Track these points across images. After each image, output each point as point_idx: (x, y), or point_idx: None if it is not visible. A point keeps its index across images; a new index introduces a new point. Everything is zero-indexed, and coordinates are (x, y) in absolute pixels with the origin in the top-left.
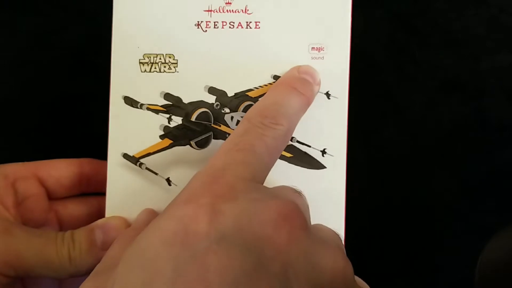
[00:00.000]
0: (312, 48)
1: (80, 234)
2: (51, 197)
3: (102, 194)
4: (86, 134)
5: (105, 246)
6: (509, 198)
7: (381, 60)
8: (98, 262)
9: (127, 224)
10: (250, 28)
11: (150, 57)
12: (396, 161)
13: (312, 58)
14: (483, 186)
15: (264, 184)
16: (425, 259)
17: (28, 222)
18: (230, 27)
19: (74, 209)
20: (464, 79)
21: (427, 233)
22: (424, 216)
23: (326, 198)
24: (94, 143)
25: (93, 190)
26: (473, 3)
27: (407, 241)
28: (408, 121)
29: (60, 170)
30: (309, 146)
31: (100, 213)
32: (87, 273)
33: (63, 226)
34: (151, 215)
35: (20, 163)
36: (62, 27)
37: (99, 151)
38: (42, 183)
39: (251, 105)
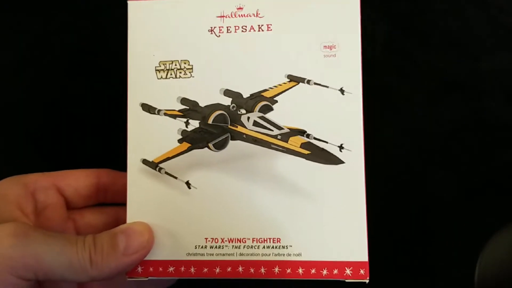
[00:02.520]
0: (324, 46)
1: (103, 238)
2: (69, 206)
3: (119, 204)
4: (87, 134)
5: (128, 251)
6: (509, 198)
7: (381, 60)
8: (120, 266)
9: (149, 229)
10: (262, 31)
11: (165, 64)
12: (395, 161)
13: (324, 56)
14: (483, 186)
15: (280, 182)
16: (425, 259)
17: (47, 230)
18: (242, 31)
19: (91, 218)
20: (464, 79)
21: (427, 233)
22: (424, 216)
23: (346, 193)
24: (94, 142)
25: (110, 200)
26: (473, 3)
27: (407, 241)
28: (408, 121)
29: (79, 180)
30: (326, 142)
31: (117, 223)
32: (109, 277)
33: (80, 234)
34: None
35: (40, 173)
36: (63, 27)
37: (99, 150)
38: (61, 193)
39: (267, 104)
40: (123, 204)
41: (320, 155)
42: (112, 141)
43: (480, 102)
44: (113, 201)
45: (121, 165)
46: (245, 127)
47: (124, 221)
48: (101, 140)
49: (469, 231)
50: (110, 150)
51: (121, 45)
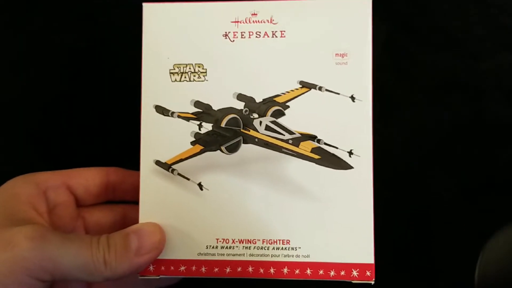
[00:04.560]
0: (336, 54)
1: (116, 238)
2: (79, 204)
3: (127, 202)
4: (86, 134)
5: (140, 252)
6: (509, 198)
7: (381, 60)
8: (133, 266)
9: (160, 230)
10: (276, 37)
11: (180, 67)
12: (395, 161)
13: (336, 64)
14: (483, 186)
15: (290, 185)
16: (425, 259)
17: (58, 228)
18: (256, 36)
19: (100, 216)
20: (464, 79)
21: (427, 233)
22: (424, 216)
23: (354, 197)
24: (94, 142)
25: (118, 198)
26: (473, 3)
27: (407, 241)
28: (408, 121)
29: (89, 179)
30: (336, 148)
31: (125, 221)
32: (122, 277)
33: (88, 232)
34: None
35: (50, 171)
36: (63, 27)
37: (99, 149)
38: (71, 191)
39: (279, 109)
40: (130, 202)
41: (330, 160)
42: (112, 140)
43: (480, 102)
44: (122, 199)
45: (120, 164)
46: (257, 131)
47: (133, 219)
48: (101, 140)
49: (469, 231)
50: (110, 150)
51: (122, 45)
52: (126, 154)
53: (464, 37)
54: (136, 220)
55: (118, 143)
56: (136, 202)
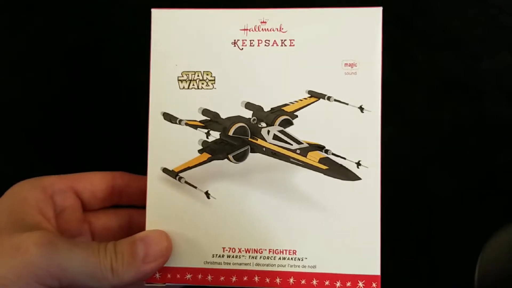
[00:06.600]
0: (345, 64)
1: (123, 246)
2: (85, 209)
3: (132, 206)
4: (86, 134)
5: (147, 259)
6: (509, 198)
7: (381, 60)
8: (140, 274)
9: (167, 237)
10: (285, 45)
11: (188, 74)
12: (396, 160)
13: (345, 74)
14: (483, 186)
15: (297, 195)
16: (425, 259)
17: (64, 233)
18: (265, 45)
19: (106, 220)
20: (464, 79)
21: (427, 233)
22: (424, 216)
23: (361, 208)
24: (94, 142)
25: (124, 202)
26: (473, 3)
27: (407, 241)
28: (408, 121)
29: (95, 183)
30: (344, 158)
31: (130, 225)
32: (128, 284)
33: (95, 237)
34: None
35: (57, 176)
36: (63, 27)
37: (99, 150)
38: (77, 195)
39: (287, 119)
40: (136, 206)
41: (337, 170)
42: (112, 140)
43: (481, 102)
44: (128, 203)
45: (120, 164)
46: (265, 140)
47: (138, 224)
48: (101, 140)
49: (469, 231)
50: (110, 150)
51: (122, 45)
52: (128, 155)
53: (464, 37)
54: (142, 224)
55: (117, 142)
56: (142, 206)
